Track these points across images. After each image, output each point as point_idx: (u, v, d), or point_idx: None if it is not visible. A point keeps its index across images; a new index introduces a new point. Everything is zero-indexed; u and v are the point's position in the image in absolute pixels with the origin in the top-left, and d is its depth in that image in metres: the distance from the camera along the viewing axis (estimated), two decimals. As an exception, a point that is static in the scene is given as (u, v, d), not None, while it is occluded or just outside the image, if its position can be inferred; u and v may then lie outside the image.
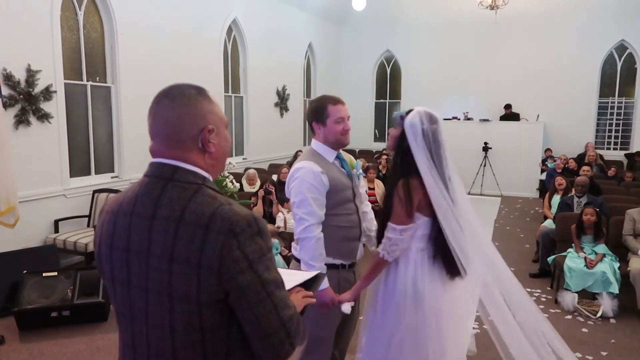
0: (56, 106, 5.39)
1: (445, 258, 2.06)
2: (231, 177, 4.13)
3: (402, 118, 2.12)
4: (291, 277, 1.43)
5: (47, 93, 5.24)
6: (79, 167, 5.95)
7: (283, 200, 5.46)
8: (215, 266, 1.07)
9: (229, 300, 1.10)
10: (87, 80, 6.00)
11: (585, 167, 7.08)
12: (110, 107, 6.31)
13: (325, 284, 2.16)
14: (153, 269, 1.12)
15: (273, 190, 5.57)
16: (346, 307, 2.18)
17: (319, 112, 2.29)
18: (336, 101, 2.30)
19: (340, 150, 2.39)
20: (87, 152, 6.08)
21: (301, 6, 10.74)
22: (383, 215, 2.13)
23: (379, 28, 12.67)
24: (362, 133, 12.66)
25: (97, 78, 6.16)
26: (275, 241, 5.07)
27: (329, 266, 2.23)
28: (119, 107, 6.29)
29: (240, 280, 1.08)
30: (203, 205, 1.11)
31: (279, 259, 5.08)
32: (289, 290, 1.32)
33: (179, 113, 1.18)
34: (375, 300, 2.22)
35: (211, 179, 1.22)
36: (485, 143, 10.88)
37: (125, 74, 6.29)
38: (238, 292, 1.09)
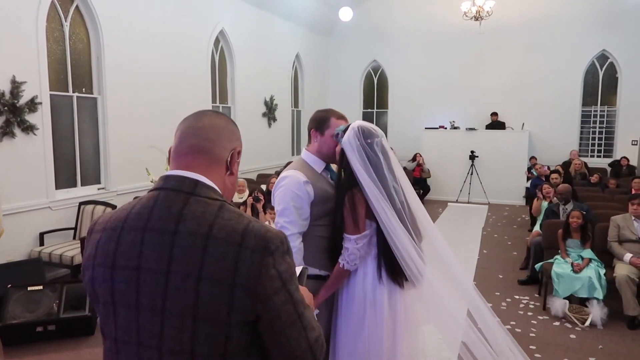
0: (41, 118, 5.34)
1: (387, 264, 2.12)
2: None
3: (339, 135, 2.20)
4: None
5: (32, 104, 5.19)
6: (64, 179, 5.89)
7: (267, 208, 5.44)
8: (251, 285, 1.02)
9: (259, 322, 1.05)
10: (73, 92, 5.95)
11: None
12: (97, 118, 6.26)
13: None
14: (175, 288, 1.04)
15: (262, 199, 5.54)
16: None
17: (322, 121, 2.31)
18: (340, 117, 2.33)
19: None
20: (73, 163, 6.02)
21: (288, 17, 10.80)
22: (333, 228, 2.19)
23: (366, 38, 12.80)
24: (350, 142, 12.69)
25: (83, 89, 6.12)
26: None
27: (313, 277, 2.22)
28: (106, 118, 6.24)
29: (276, 300, 1.04)
30: (232, 221, 1.06)
31: None
32: None
33: (222, 123, 1.20)
34: (337, 308, 2.24)
35: None
36: (472, 151, 10.98)
37: (111, 85, 6.25)
38: (273, 312, 1.04)
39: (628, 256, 4.56)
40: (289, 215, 2.15)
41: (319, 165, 2.33)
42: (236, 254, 1.02)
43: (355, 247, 2.10)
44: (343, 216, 2.13)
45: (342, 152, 2.17)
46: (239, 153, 1.21)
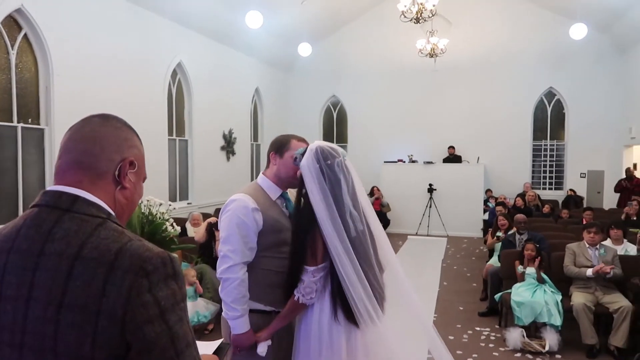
0: (-19, 149, 5.04)
1: (342, 301, 1.98)
2: (171, 220, 3.91)
3: (297, 159, 2.06)
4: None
5: (-29, 135, 4.90)
6: (5, 214, 5.51)
7: None
8: (119, 313, 0.87)
9: (128, 357, 0.88)
10: (18, 122, 5.67)
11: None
12: (44, 150, 5.97)
13: (246, 326, 2.02)
14: (34, 318, 0.89)
15: None
16: (261, 349, 2.04)
17: (282, 144, 2.19)
18: (301, 139, 2.23)
19: (288, 190, 2.26)
20: (15, 198, 5.67)
21: (248, 52, 10.85)
22: (290, 259, 2.04)
23: (325, 74, 13.00)
24: (310, 176, 12.70)
25: (30, 120, 5.84)
26: (190, 288, 4.80)
27: (259, 312, 2.08)
28: (53, 150, 5.96)
29: (147, 331, 0.88)
30: (108, 239, 0.92)
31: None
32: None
33: (108, 131, 1.04)
34: (295, 345, 2.10)
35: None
36: (430, 184, 11.15)
37: (61, 115, 6.01)
38: (142, 346, 0.87)
39: (589, 270, 4.54)
40: (233, 243, 2.01)
41: (274, 192, 2.19)
42: (105, 276, 0.88)
43: (312, 279, 1.96)
44: (303, 247, 1.98)
45: (302, 177, 2.04)
46: (131, 163, 1.05)
